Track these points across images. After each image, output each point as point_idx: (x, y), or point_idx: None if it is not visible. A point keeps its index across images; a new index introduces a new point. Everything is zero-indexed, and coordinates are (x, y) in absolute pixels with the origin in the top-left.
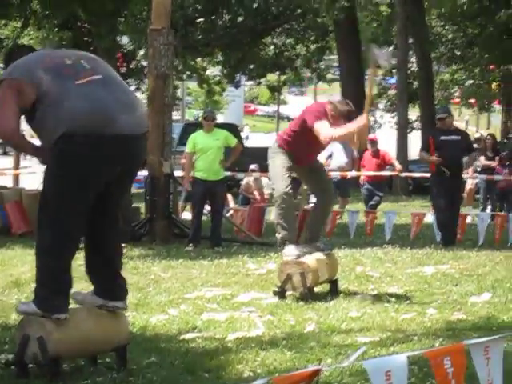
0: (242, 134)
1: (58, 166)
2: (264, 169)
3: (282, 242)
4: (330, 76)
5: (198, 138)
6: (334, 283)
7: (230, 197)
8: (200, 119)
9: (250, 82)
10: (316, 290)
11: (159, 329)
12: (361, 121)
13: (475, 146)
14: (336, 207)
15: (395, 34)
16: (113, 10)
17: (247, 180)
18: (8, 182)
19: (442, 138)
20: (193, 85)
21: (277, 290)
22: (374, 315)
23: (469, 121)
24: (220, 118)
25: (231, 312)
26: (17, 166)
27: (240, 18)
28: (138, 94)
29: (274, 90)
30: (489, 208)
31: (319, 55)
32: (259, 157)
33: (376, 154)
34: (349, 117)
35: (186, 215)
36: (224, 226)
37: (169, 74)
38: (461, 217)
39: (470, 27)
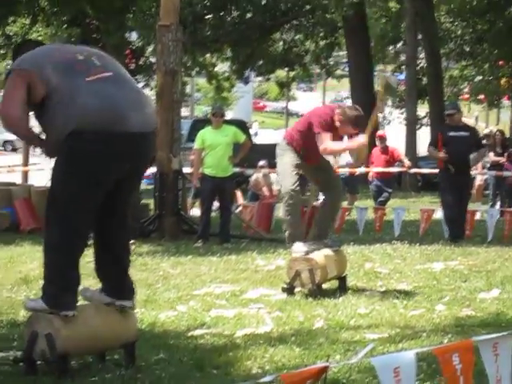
0: (251, 131)
1: (67, 163)
2: (273, 165)
3: (291, 239)
4: (338, 72)
5: (206, 134)
6: (342, 280)
7: (238, 193)
8: (209, 115)
9: (259, 78)
10: (325, 286)
11: (168, 325)
12: (361, 140)
13: (484, 141)
14: (345, 204)
15: (404, 30)
16: (121, 6)
17: (256, 176)
18: (17, 178)
19: (451, 134)
20: (202, 81)
21: (285, 286)
22: (383, 312)
23: (478, 117)
24: (229, 115)
25: (240, 308)
26: (26, 163)
27: (249, 15)
28: (147, 91)
29: (283, 86)
30: (498, 204)
31: (328, 51)
32: (268, 153)
33: (385, 150)
34: (356, 122)
35: (195, 212)
36: (233, 223)
37: (177, 71)
38: (470, 213)
39: (479, 23)
